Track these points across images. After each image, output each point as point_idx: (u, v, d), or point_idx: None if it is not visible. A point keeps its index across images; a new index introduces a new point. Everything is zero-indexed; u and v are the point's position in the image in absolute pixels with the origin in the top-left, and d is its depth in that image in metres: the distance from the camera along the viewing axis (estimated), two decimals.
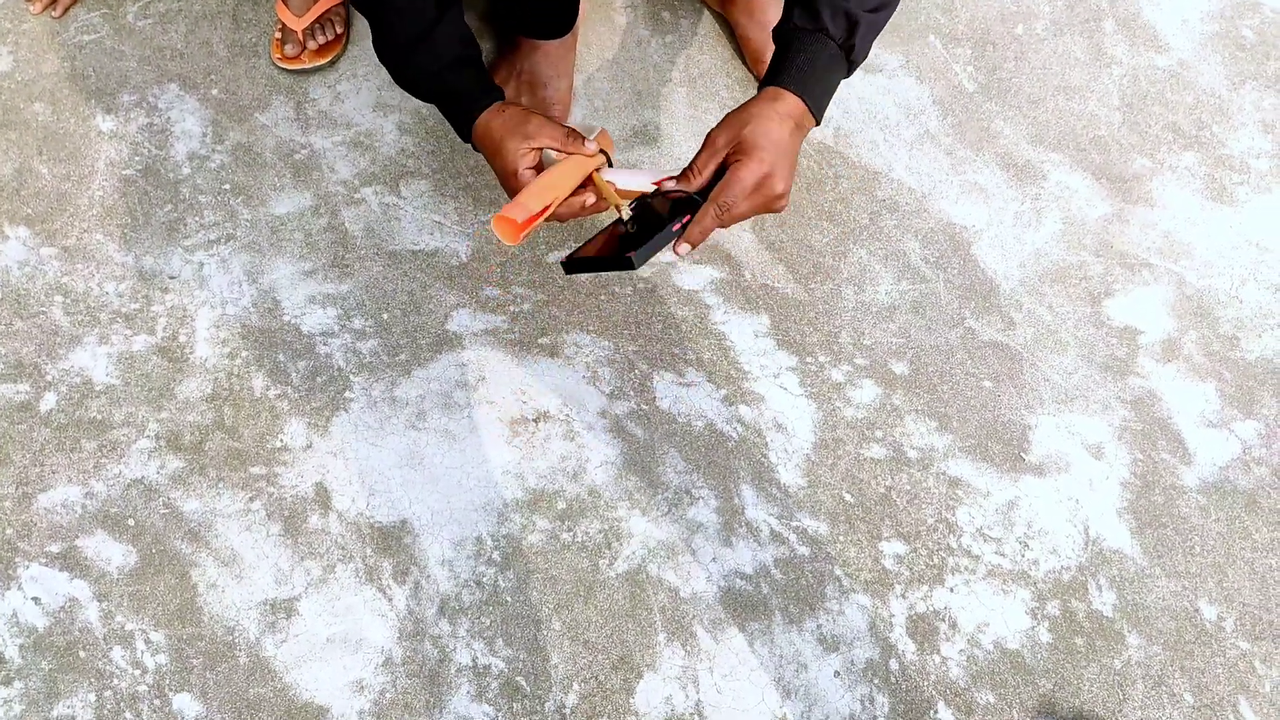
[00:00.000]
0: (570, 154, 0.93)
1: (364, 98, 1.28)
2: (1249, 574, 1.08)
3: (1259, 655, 1.04)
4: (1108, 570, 1.07)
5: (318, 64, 1.28)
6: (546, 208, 0.89)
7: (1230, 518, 1.10)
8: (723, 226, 0.87)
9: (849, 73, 0.92)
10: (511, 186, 0.93)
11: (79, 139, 1.24)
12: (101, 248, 1.18)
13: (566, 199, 0.91)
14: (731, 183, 0.85)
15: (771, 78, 0.90)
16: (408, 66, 0.97)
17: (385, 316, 1.16)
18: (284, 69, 1.28)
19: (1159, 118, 1.33)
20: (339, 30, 1.30)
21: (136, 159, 1.23)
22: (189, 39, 1.32)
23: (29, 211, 1.20)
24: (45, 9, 1.32)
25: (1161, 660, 1.03)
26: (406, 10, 0.94)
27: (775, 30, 0.93)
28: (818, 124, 0.91)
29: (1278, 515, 1.11)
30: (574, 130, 0.94)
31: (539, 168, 0.93)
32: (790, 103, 0.88)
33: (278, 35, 1.28)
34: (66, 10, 1.33)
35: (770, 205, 0.88)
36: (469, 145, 0.98)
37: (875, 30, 0.90)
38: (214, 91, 1.28)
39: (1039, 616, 1.05)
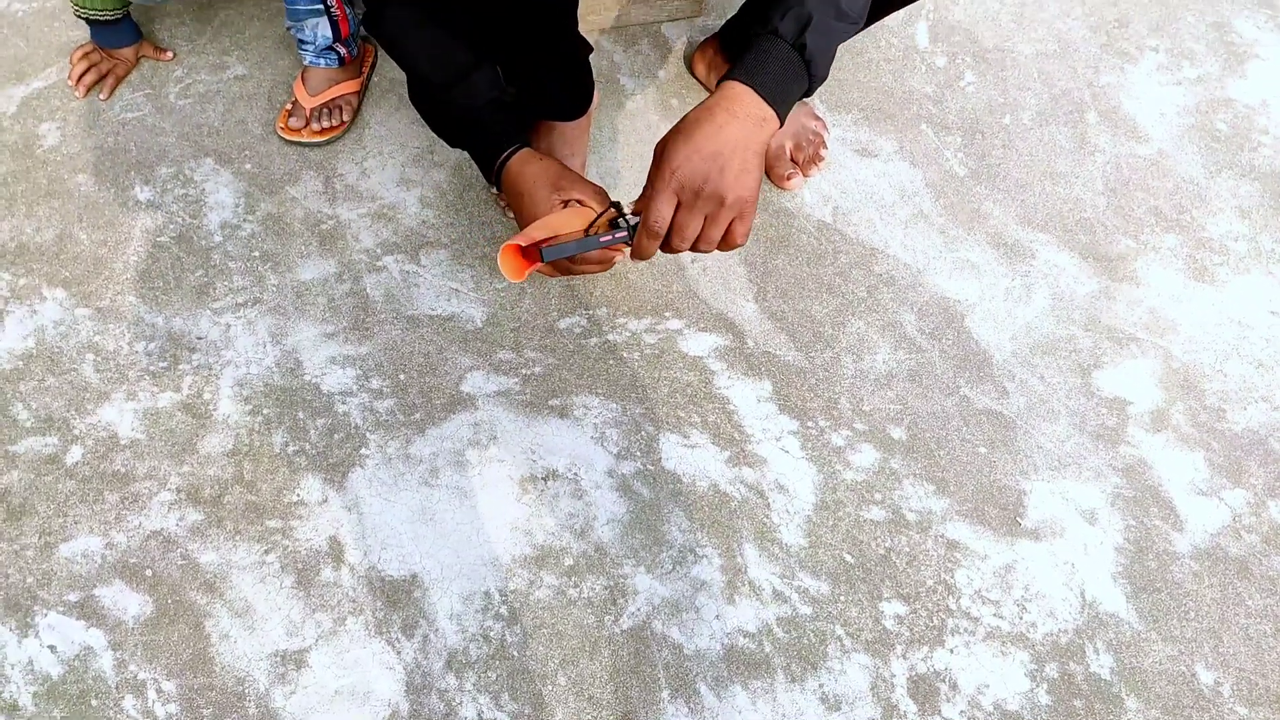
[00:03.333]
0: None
1: (389, 173, 1.36)
2: (1244, 639, 1.09)
3: None
4: (1104, 634, 1.09)
5: (316, 140, 1.36)
6: (549, 240, 0.92)
7: (1224, 584, 1.13)
8: (675, 246, 0.86)
9: (810, 76, 0.88)
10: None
11: (117, 208, 1.31)
12: (134, 309, 1.23)
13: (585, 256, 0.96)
14: (649, 196, 0.85)
15: (722, 79, 0.88)
16: (446, 103, 1.03)
17: (402, 377, 1.20)
18: (284, 138, 1.36)
19: (1141, 202, 1.40)
20: (345, 119, 1.38)
21: (171, 227, 1.30)
22: (225, 117, 1.40)
23: (66, 274, 1.26)
24: (89, 91, 1.41)
25: None
26: (442, 58, 1.00)
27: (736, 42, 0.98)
28: (780, 119, 0.87)
29: (1270, 582, 1.13)
30: (599, 188, 0.99)
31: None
32: (734, 92, 0.84)
33: (288, 106, 1.37)
34: (113, 91, 1.42)
35: (723, 203, 0.84)
36: (493, 189, 1.02)
37: (832, 34, 0.87)
38: (247, 166, 1.36)
39: (1038, 679, 1.06)
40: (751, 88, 0.85)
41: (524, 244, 0.92)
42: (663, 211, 0.86)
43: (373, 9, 1.01)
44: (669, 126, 1.40)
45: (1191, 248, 1.37)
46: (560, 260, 0.95)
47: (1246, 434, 1.23)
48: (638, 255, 0.91)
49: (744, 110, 0.85)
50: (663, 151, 0.87)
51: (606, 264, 1.00)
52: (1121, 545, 1.14)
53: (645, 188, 0.90)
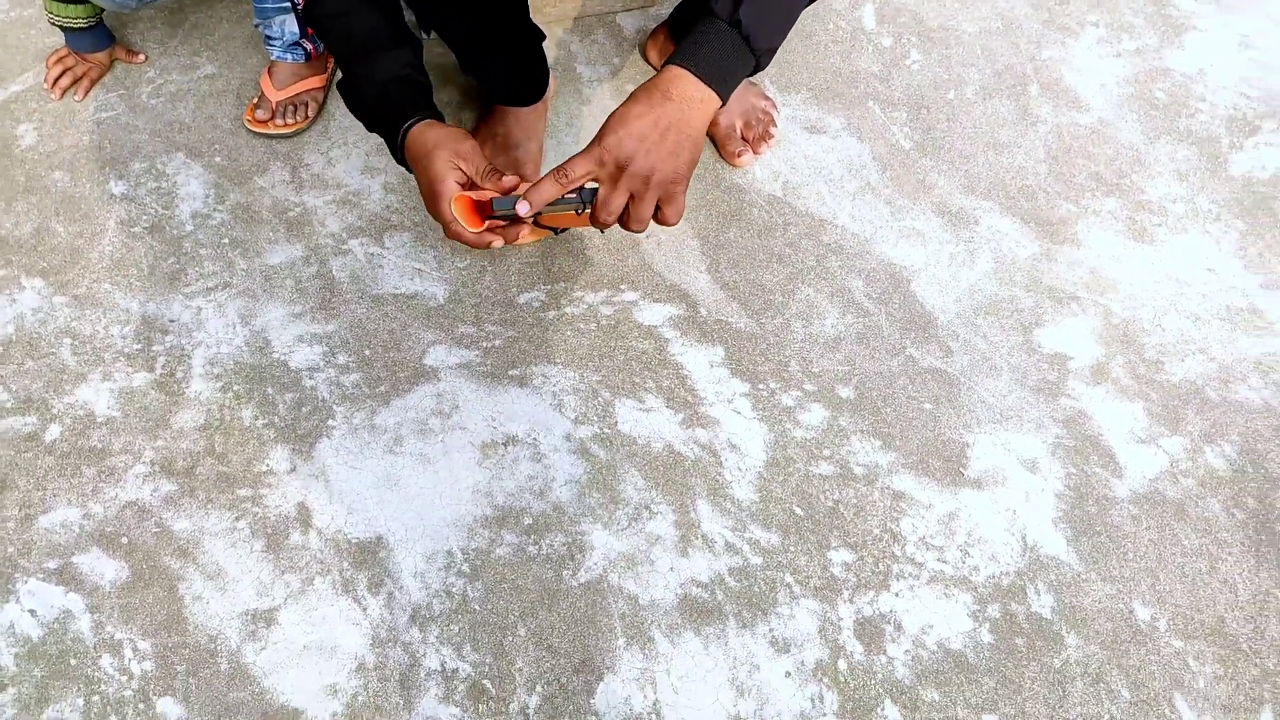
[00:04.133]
0: (482, 188, 0.96)
1: (353, 162, 1.41)
2: (1180, 577, 1.13)
3: (1191, 653, 1.09)
4: (1045, 575, 1.13)
5: (282, 133, 1.41)
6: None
7: (1160, 525, 1.17)
8: (602, 220, 0.90)
9: (753, 51, 0.90)
10: (436, 192, 0.95)
11: (93, 201, 1.37)
12: (109, 296, 1.29)
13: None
14: (574, 157, 0.88)
15: (664, 63, 0.90)
16: (354, 79, 1.02)
17: (367, 353, 1.25)
18: (251, 130, 1.41)
19: (1082, 168, 1.45)
20: (310, 114, 1.43)
21: (144, 218, 1.35)
22: (196, 114, 1.46)
23: (44, 265, 1.31)
24: (65, 94, 1.47)
25: (1099, 659, 1.08)
26: (361, 36, 1.00)
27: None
28: (722, 98, 0.89)
29: (1205, 523, 1.17)
30: (496, 169, 0.97)
31: (467, 186, 0.96)
32: (672, 75, 0.87)
33: (255, 100, 1.43)
34: (87, 93, 1.48)
35: (648, 183, 0.87)
36: (403, 168, 1.02)
37: (769, 7, 0.88)
38: (217, 159, 1.41)
39: (980, 619, 1.10)
40: (688, 70, 0.87)
41: (475, 198, 0.96)
42: (576, 170, 0.89)
43: None
44: None
45: (1131, 210, 1.42)
46: (505, 225, 0.98)
47: (1184, 384, 1.27)
48: (600, 221, 0.92)
49: (680, 92, 0.87)
50: (601, 129, 0.90)
51: (540, 234, 1.02)
52: (1062, 492, 1.19)
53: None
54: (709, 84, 0.88)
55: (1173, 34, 1.61)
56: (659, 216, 0.92)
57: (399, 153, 1.02)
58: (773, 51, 0.92)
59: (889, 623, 1.10)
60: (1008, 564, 1.14)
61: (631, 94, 0.89)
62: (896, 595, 1.11)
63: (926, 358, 1.28)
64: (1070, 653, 1.09)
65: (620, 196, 0.89)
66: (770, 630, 1.09)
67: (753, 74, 0.94)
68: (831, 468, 1.19)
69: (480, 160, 0.97)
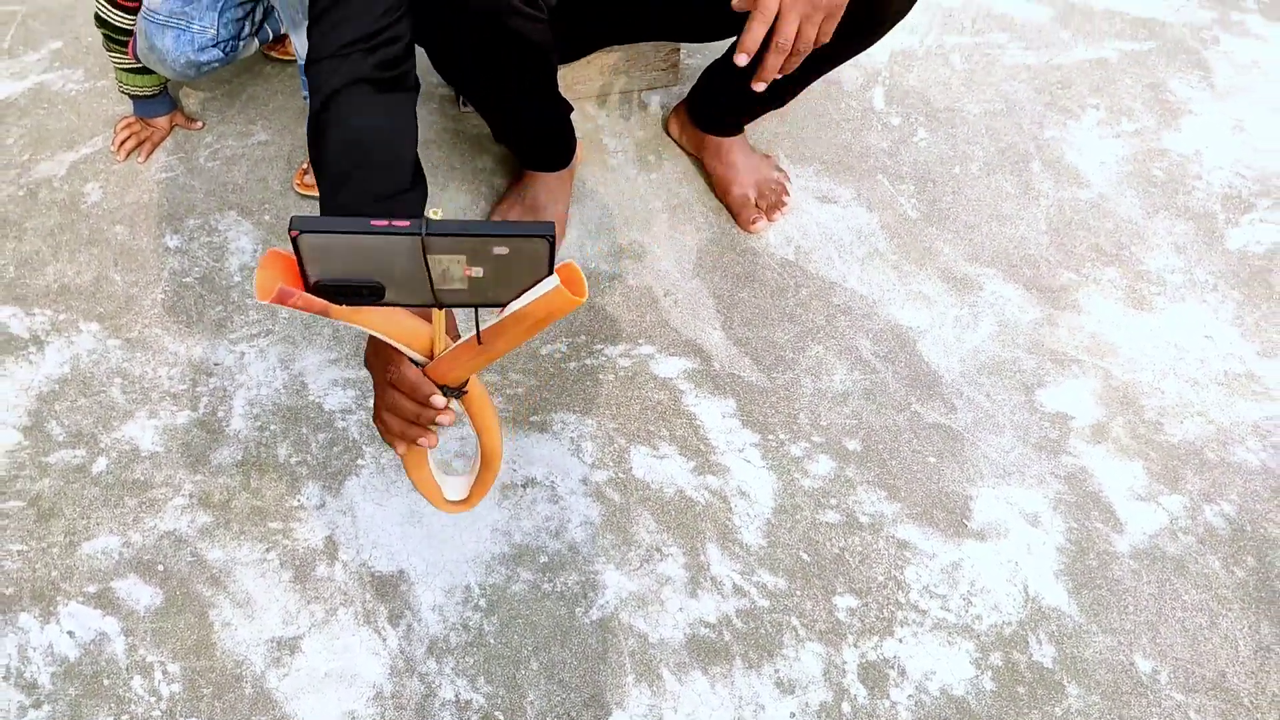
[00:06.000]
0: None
1: None
2: (1180, 631, 1.16)
3: (1193, 706, 1.10)
4: (1047, 626, 1.16)
5: None
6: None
7: (1161, 580, 1.19)
8: (779, 45, 0.98)
9: None
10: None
11: (149, 253, 1.47)
12: (159, 340, 1.37)
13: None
14: None
15: None
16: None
17: None
18: (300, 193, 1.52)
19: (1083, 240, 1.52)
20: None
21: (196, 269, 1.45)
22: (249, 176, 1.57)
23: (101, 310, 1.40)
24: (129, 156, 1.59)
25: (1100, 709, 1.10)
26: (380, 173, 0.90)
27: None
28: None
29: (1205, 579, 1.19)
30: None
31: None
32: None
33: (304, 167, 1.54)
34: (149, 155, 1.59)
35: (817, 5, 0.97)
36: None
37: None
38: (266, 217, 1.52)
39: (982, 666, 1.13)
40: None
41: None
42: (769, 3, 0.96)
43: (324, 92, 0.90)
44: (646, 181, 1.55)
45: (1130, 279, 1.48)
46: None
47: (1183, 445, 1.31)
48: (745, 47, 0.99)
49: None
50: None
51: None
52: (1063, 545, 1.22)
53: None
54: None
55: (1170, 118, 1.70)
56: (820, 33, 1.00)
57: None
58: None
59: (893, 667, 1.12)
60: (1010, 614, 1.17)
61: None
62: (900, 641, 1.14)
63: (931, 414, 1.33)
64: (1072, 702, 1.10)
65: (792, 23, 0.97)
66: (776, 671, 1.12)
67: None
68: (838, 516, 1.23)
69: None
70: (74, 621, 1.14)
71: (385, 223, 0.58)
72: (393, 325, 0.70)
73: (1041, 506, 1.25)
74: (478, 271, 0.62)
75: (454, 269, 0.61)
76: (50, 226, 1.50)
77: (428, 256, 0.60)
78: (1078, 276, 1.48)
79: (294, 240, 0.59)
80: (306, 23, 1.39)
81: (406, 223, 0.58)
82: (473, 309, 0.67)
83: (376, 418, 0.82)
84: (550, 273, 0.63)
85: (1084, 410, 1.34)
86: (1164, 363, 1.39)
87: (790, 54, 1.01)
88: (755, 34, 1.00)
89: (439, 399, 0.75)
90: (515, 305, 0.65)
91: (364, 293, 0.63)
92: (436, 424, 0.78)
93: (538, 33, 1.12)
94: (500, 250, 0.60)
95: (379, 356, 0.79)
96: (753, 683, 1.11)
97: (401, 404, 0.77)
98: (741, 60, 1.01)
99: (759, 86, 1.03)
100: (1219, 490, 1.26)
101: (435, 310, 0.68)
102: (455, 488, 0.92)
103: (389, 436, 0.81)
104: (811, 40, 1.01)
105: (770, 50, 1.01)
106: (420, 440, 0.79)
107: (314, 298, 0.62)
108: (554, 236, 0.60)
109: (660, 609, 1.16)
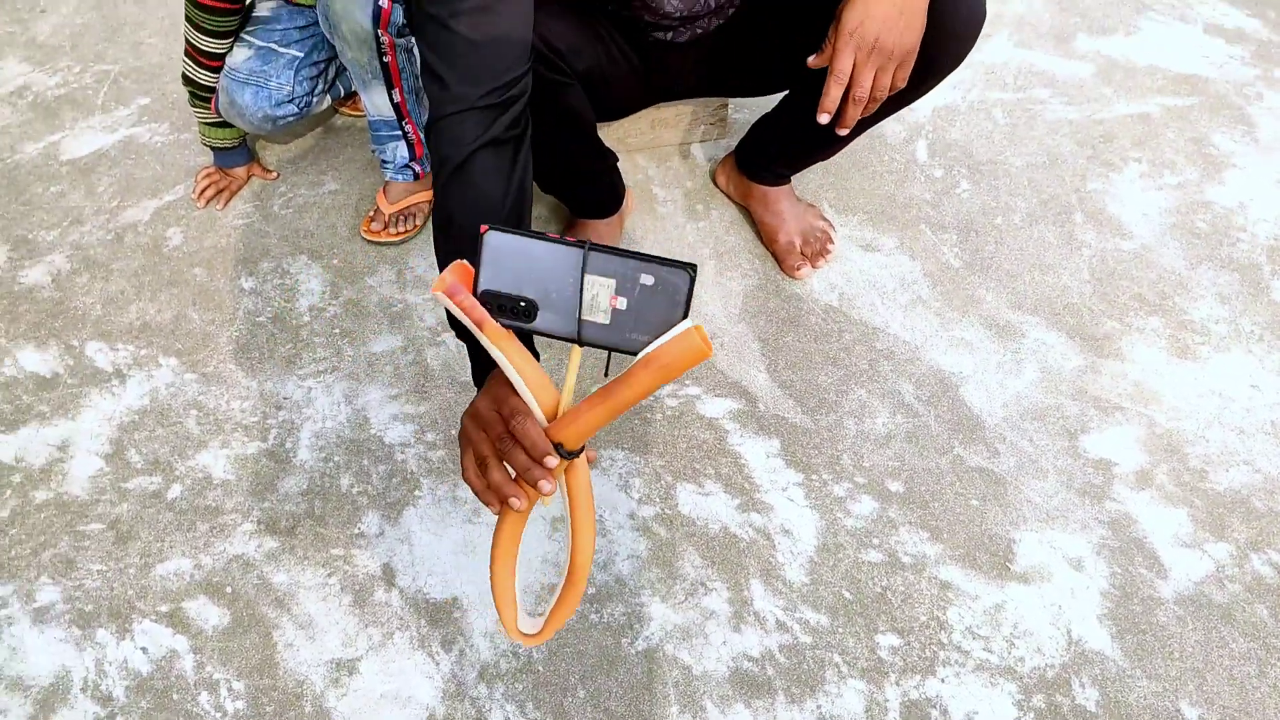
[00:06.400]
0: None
1: None
2: (1228, 680, 1.15)
3: None
4: (1090, 670, 1.16)
5: (392, 240, 1.60)
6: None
7: (1207, 628, 1.19)
8: (855, 96, 1.04)
9: None
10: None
11: (225, 294, 1.56)
12: (233, 374, 1.45)
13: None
14: (832, 53, 1.05)
15: None
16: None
17: (453, 432, 1.38)
18: (367, 239, 1.61)
19: (1126, 289, 1.54)
20: (417, 223, 1.63)
21: (268, 309, 1.53)
22: (319, 223, 1.66)
23: (179, 347, 1.49)
24: (209, 203, 1.69)
25: None
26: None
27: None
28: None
29: (1253, 628, 1.19)
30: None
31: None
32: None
33: (371, 213, 1.62)
34: (227, 203, 1.70)
35: (891, 56, 1.03)
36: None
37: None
38: (335, 261, 1.60)
39: (1025, 708, 1.13)
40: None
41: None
42: (843, 64, 1.02)
43: (455, 158, 0.88)
44: (694, 229, 1.61)
45: (1174, 329, 1.49)
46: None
47: (1229, 493, 1.31)
48: (825, 108, 1.05)
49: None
50: (841, 14, 1.02)
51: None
52: (1107, 590, 1.22)
53: (826, 45, 1.06)
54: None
55: (1213, 171, 1.72)
56: (894, 82, 1.06)
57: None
58: None
59: (935, 707, 1.13)
60: (1053, 657, 1.17)
61: None
62: (943, 681, 1.15)
63: (974, 457, 1.35)
64: None
65: (869, 73, 1.02)
66: (818, 707, 1.14)
67: None
68: (880, 556, 1.26)
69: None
70: (147, 638, 1.20)
71: (556, 236, 0.65)
72: (529, 367, 0.71)
73: (1085, 551, 1.26)
74: (622, 303, 0.66)
75: (602, 295, 0.66)
76: (135, 268, 1.60)
77: (585, 276, 0.65)
78: (1121, 325, 1.50)
79: (480, 237, 0.65)
80: (375, 83, 1.49)
81: (573, 239, 0.65)
82: (605, 354, 0.69)
83: (468, 473, 0.77)
84: (686, 314, 0.65)
85: (1128, 457, 1.35)
86: (1209, 411, 1.39)
87: (869, 101, 1.07)
88: (833, 95, 1.05)
89: (553, 459, 0.71)
90: (649, 348, 0.66)
91: (520, 307, 0.67)
92: (537, 487, 0.71)
93: (570, 97, 1.19)
94: (646, 280, 0.64)
95: (494, 405, 0.75)
96: (795, 717, 1.13)
97: (515, 456, 0.72)
98: (824, 119, 1.06)
99: (827, 120, 1.06)
100: (1267, 539, 1.26)
101: (572, 352, 0.70)
102: (529, 622, 0.86)
103: (485, 495, 0.76)
104: (887, 88, 1.07)
105: (849, 103, 1.07)
106: (512, 500, 0.74)
107: (477, 302, 0.67)
108: (695, 274, 0.64)
109: (704, 642, 1.19)
